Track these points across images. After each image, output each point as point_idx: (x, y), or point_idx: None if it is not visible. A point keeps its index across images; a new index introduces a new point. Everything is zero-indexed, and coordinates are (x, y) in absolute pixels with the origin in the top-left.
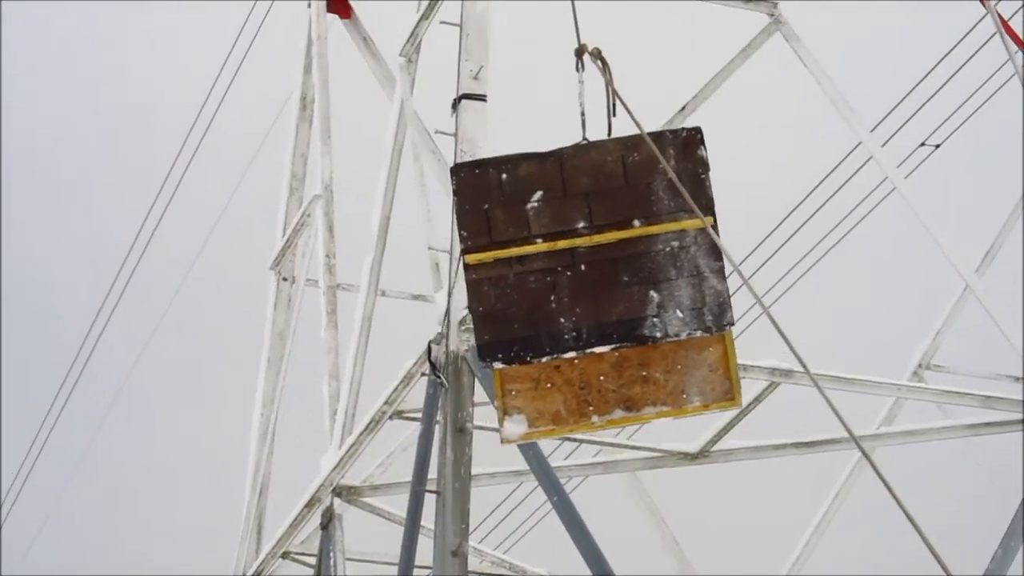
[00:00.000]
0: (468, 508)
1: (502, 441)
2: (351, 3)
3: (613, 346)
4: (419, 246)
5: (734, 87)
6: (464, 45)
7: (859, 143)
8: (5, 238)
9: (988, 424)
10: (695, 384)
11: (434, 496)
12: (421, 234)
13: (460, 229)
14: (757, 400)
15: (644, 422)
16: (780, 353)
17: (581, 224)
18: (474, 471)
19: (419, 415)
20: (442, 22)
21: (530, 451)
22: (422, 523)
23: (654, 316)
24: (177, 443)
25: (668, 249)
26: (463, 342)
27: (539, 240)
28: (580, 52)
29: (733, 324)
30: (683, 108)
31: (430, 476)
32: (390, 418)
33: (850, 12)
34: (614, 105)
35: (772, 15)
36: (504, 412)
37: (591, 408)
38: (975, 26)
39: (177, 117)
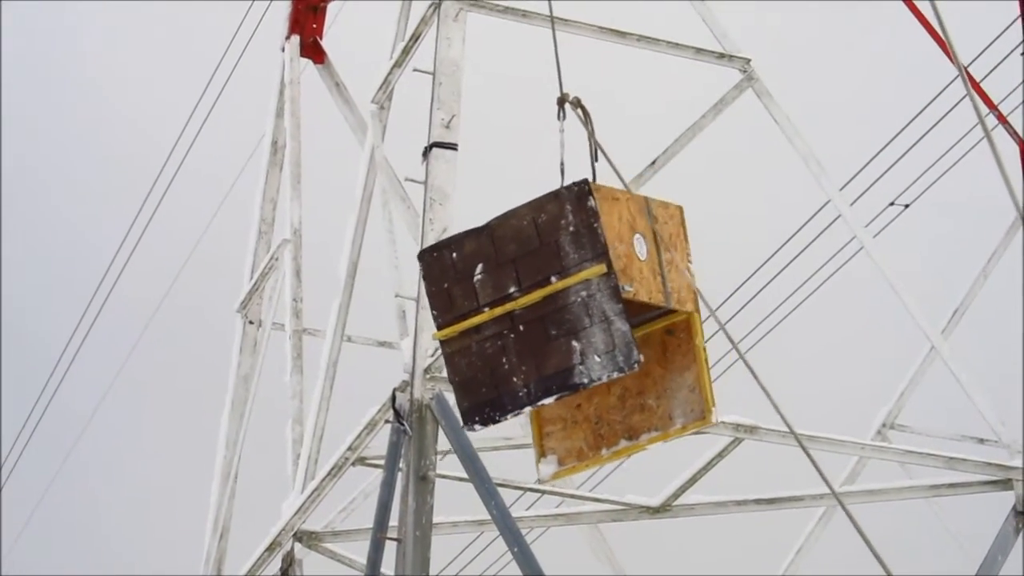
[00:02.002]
0: (429, 556)
1: (539, 481)
2: (324, 48)
3: (555, 397)
4: (386, 293)
5: (706, 141)
6: (436, 93)
7: (828, 201)
8: None
9: (951, 485)
10: (679, 407)
11: (395, 544)
12: (388, 281)
13: (432, 309)
14: (720, 456)
15: (641, 449)
16: (743, 408)
17: (513, 289)
18: (436, 519)
19: (382, 462)
20: (415, 70)
21: (492, 501)
22: (382, 570)
23: (580, 364)
24: (138, 484)
25: (579, 300)
26: (428, 390)
27: (486, 309)
28: (562, 101)
29: (640, 363)
30: (653, 163)
31: (391, 523)
32: (353, 464)
33: (823, 71)
34: (595, 153)
35: (745, 71)
36: (541, 454)
37: (604, 441)
38: (947, 87)
39: (147, 157)
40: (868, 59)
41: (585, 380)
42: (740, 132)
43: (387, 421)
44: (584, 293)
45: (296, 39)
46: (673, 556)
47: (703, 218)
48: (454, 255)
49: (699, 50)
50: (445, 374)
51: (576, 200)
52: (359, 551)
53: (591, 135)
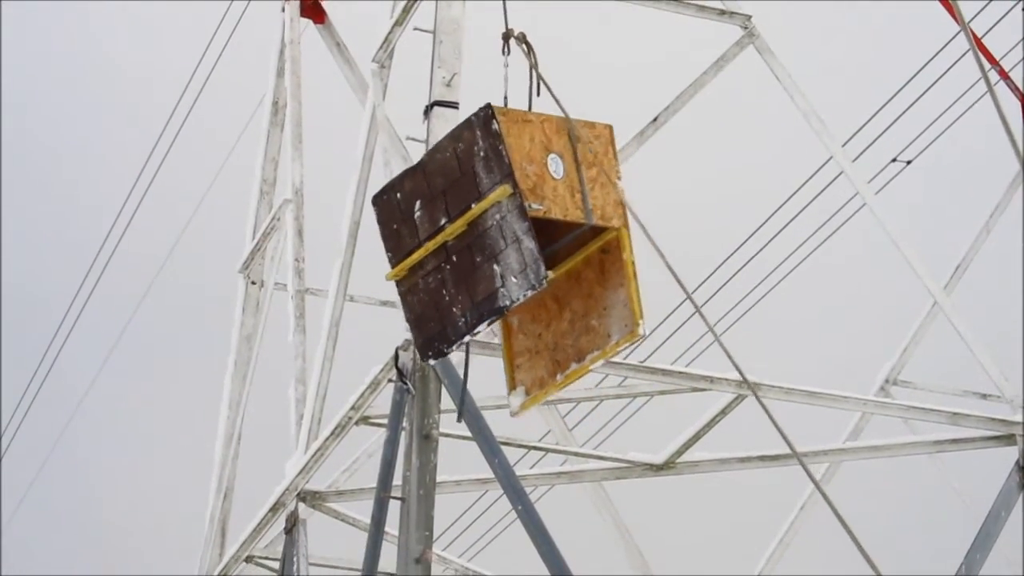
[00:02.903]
0: (432, 515)
1: (512, 415)
2: (325, 8)
3: (487, 322)
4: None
5: (707, 98)
6: (437, 52)
7: (830, 158)
8: None
9: (954, 440)
10: (615, 323)
11: (399, 503)
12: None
13: (387, 252)
14: (723, 412)
15: (586, 371)
16: (747, 365)
17: (443, 221)
18: (439, 478)
19: (385, 421)
20: (415, 28)
21: (496, 459)
22: (386, 530)
23: (501, 287)
24: (141, 446)
25: (495, 223)
26: None
27: (426, 243)
28: (507, 36)
29: (548, 278)
30: (655, 119)
31: (395, 483)
32: (356, 424)
33: (824, 27)
34: (538, 87)
35: (746, 28)
36: (512, 387)
37: (559, 367)
38: (948, 42)
39: (148, 118)
40: (869, 15)
41: (507, 302)
42: (742, 88)
43: (390, 380)
44: (498, 216)
45: None
46: (677, 513)
47: (705, 175)
48: (398, 195)
49: (701, 7)
50: None
51: (484, 125)
52: (363, 510)
53: (534, 68)
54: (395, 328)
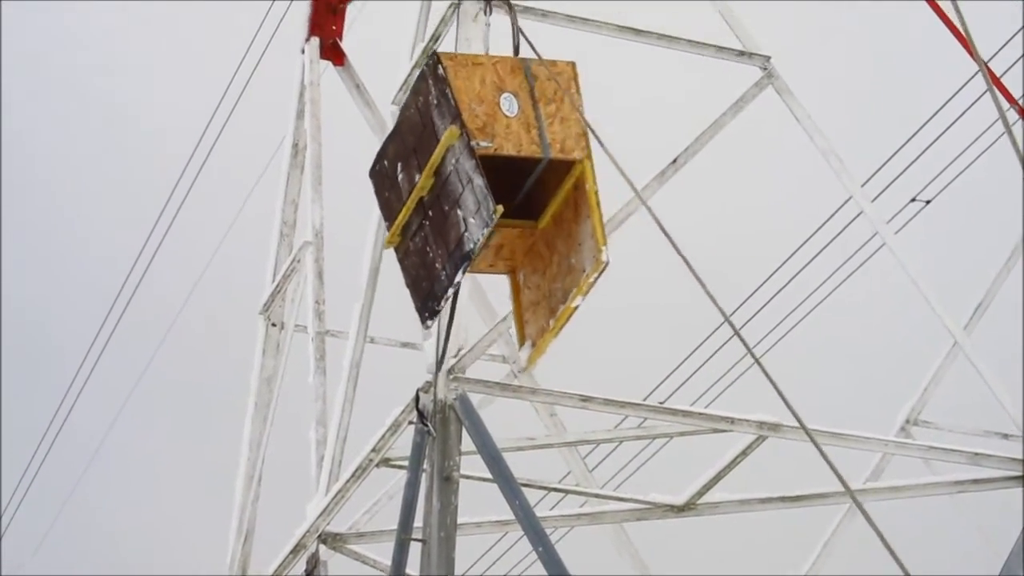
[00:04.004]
0: (453, 557)
1: (521, 371)
2: (344, 50)
3: (462, 271)
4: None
5: (725, 136)
6: None
7: (849, 197)
8: None
9: (975, 481)
10: (587, 257)
11: (420, 544)
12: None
13: (385, 222)
14: (744, 453)
15: (572, 311)
16: (767, 406)
17: (417, 176)
18: (460, 520)
19: (406, 463)
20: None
21: (516, 501)
22: (407, 571)
23: (465, 231)
24: (161, 490)
25: (452, 168)
26: (451, 391)
27: (407, 203)
28: None
29: (497, 211)
30: (675, 160)
31: (416, 524)
32: (377, 466)
33: (844, 66)
34: (518, 41)
35: (765, 69)
36: (522, 342)
37: (552, 312)
38: (967, 83)
39: (167, 161)
40: (888, 53)
41: (471, 245)
42: (760, 126)
43: (411, 422)
44: (454, 161)
45: (316, 41)
46: (698, 555)
47: (723, 213)
48: (385, 163)
49: (719, 48)
50: (469, 374)
51: (433, 72)
52: (384, 552)
53: (515, 24)
54: (416, 370)
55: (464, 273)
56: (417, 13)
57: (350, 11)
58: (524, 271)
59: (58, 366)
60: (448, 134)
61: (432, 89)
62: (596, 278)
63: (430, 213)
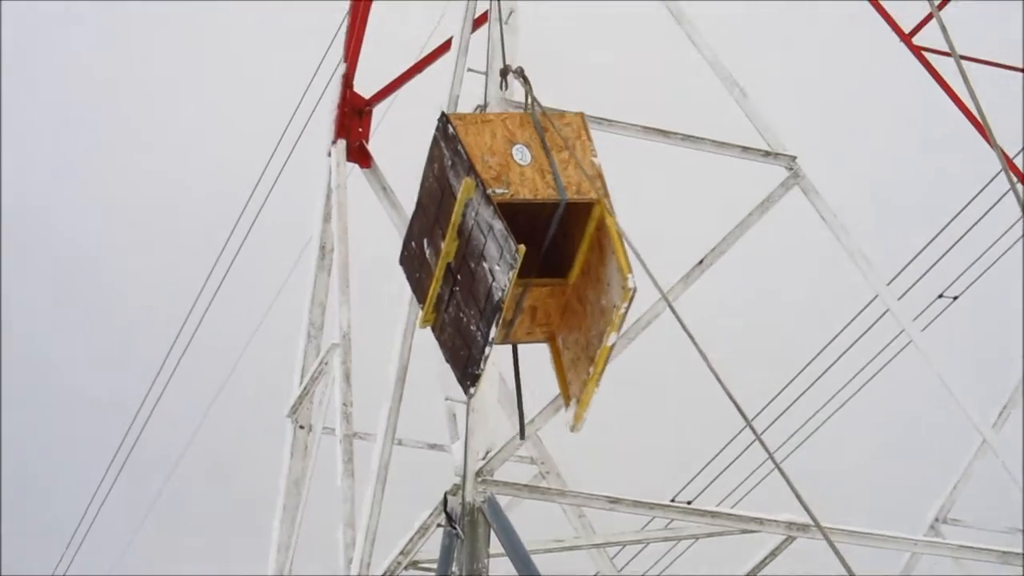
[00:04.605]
0: None
1: (571, 431)
2: (370, 152)
3: (494, 325)
4: (436, 396)
5: (752, 236)
6: None
7: (876, 296)
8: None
9: None
10: (615, 292)
11: None
12: (438, 384)
13: (419, 303)
14: (773, 554)
15: (609, 352)
16: (796, 505)
17: (442, 243)
18: None
19: (435, 566)
20: None
21: None
22: None
23: (493, 281)
24: None
25: (473, 222)
26: (479, 493)
27: (435, 272)
28: (504, 72)
29: (520, 250)
30: (701, 262)
31: None
32: (405, 569)
33: (868, 163)
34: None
35: (791, 169)
36: (567, 403)
37: (591, 361)
38: (992, 179)
39: (192, 264)
40: (913, 151)
41: (499, 294)
42: (785, 222)
43: (439, 525)
44: (473, 214)
45: (342, 143)
46: None
47: (751, 313)
48: (412, 244)
49: (745, 148)
50: (497, 476)
51: (443, 133)
52: None
53: (532, 100)
54: (444, 472)
55: (498, 326)
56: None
57: (376, 113)
58: (562, 334)
59: (87, 474)
60: (464, 187)
61: (445, 151)
62: (626, 308)
63: (458, 277)
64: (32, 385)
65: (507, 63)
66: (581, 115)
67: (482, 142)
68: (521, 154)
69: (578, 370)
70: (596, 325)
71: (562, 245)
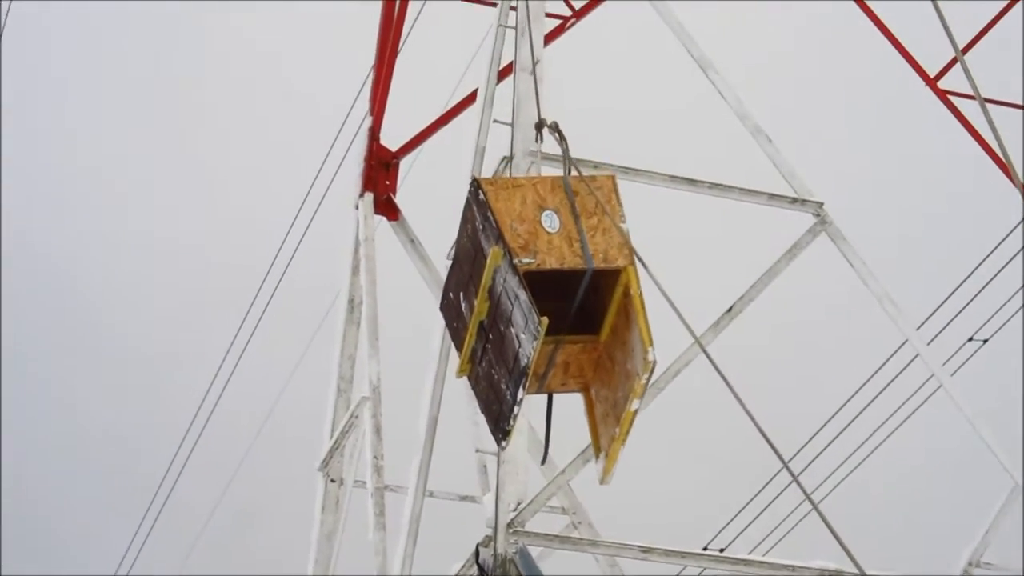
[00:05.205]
0: None
1: (601, 483)
2: (398, 205)
3: (522, 388)
4: (466, 448)
5: (780, 282)
6: None
7: (905, 340)
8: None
9: None
10: (639, 360)
11: None
12: (469, 436)
13: (458, 352)
14: None
15: (632, 416)
16: (828, 551)
17: (475, 301)
18: None
19: None
20: None
21: None
22: None
23: (519, 347)
24: None
25: (501, 288)
26: (511, 544)
27: (469, 329)
28: (539, 126)
29: (543, 322)
30: (730, 309)
31: None
32: None
33: (896, 209)
34: (569, 170)
35: (818, 215)
36: (596, 456)
37: (618, 421)
38: (1019, 224)
39: (223, 319)
40: (937, 195)
41: (525, 360)
42: (812, 267)
43: None
44: (502, 281)
45: (370, 196)
46: None
47: (781, 362)
48: (450, 295)
49: (772, 196)
50: (529, 527)
51: (475, 199)
52: None
53: (566, 155)
54: (475, 524)
55: (525, 390)
56: (470, 167)
57: (403, 165)
58: (595, 386)
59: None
60: (492, 255)
61: (476, 215)
62: (647, 379)
63: (490, 336)
64: (65, 434)
65: (542, 117)
66: (612, 178)
67: (512, 208)
68: (550, 221)
69: (607, 425)
70: (622, 386)
71: (594, 300)
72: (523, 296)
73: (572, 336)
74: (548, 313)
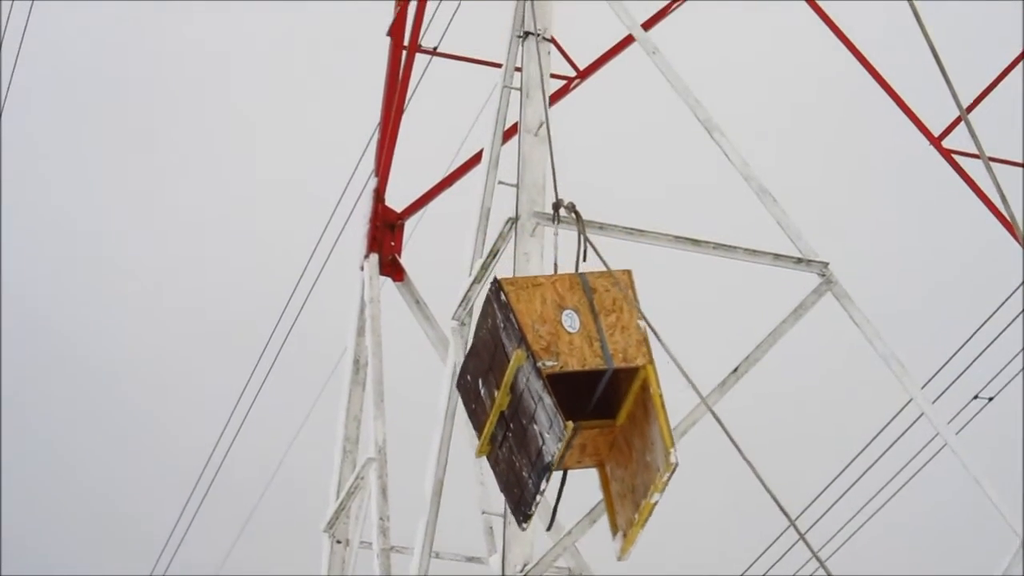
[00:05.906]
0: None
1: (618, 559)
2: (403, 266)
3: (545, 481)
4: (472, 509)
5: (784, 342)
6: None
7: (911, 399)
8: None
9: None
10: (660, 456)
11: None
12: (475, 497)
13: (475, 431)
14: None
15: (650, 508)
16: None
17: (496, 392)
18: None
19: None
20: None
21: None
22: None
23: (543, 445)
24: None
25: (524, 387)
26: None
27: (490, 416)
28: (556, 206)
29: (568, 427)
30: (735, 370)
31: None
32: None
33: (900, 268)
34: (585, 251)
35: (823, 275)
36: (614, 532)
37: (636, 507)
38: (1021, 286)
39: (227, 381)
40: (942, 251)
41: (549, 458)
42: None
43: None
44: (525, 380)
45: (375, 257)
46: None
47: (787, 420)
48: (468, 377)
49: (777, 256)
50: None
51: (496, 298)
52: None
53: (582, 235)
54: None
55: (548, 482)
56: (475, 228)
57: (408, 227)
58: (610, 464)
59: None
60: (516, 357)
61: (498, 313)
62: (669, 477)
63: (511, 426)
64: (66, 496)
65: (559, 197)
66: (629, 273)
67: (532, 309)
68: (570, 320)
69: (624, 505)
70: (640, 474)
71: (612, 389)
72: (548, 400)
73: (590, 422)
74: (566, 402)
